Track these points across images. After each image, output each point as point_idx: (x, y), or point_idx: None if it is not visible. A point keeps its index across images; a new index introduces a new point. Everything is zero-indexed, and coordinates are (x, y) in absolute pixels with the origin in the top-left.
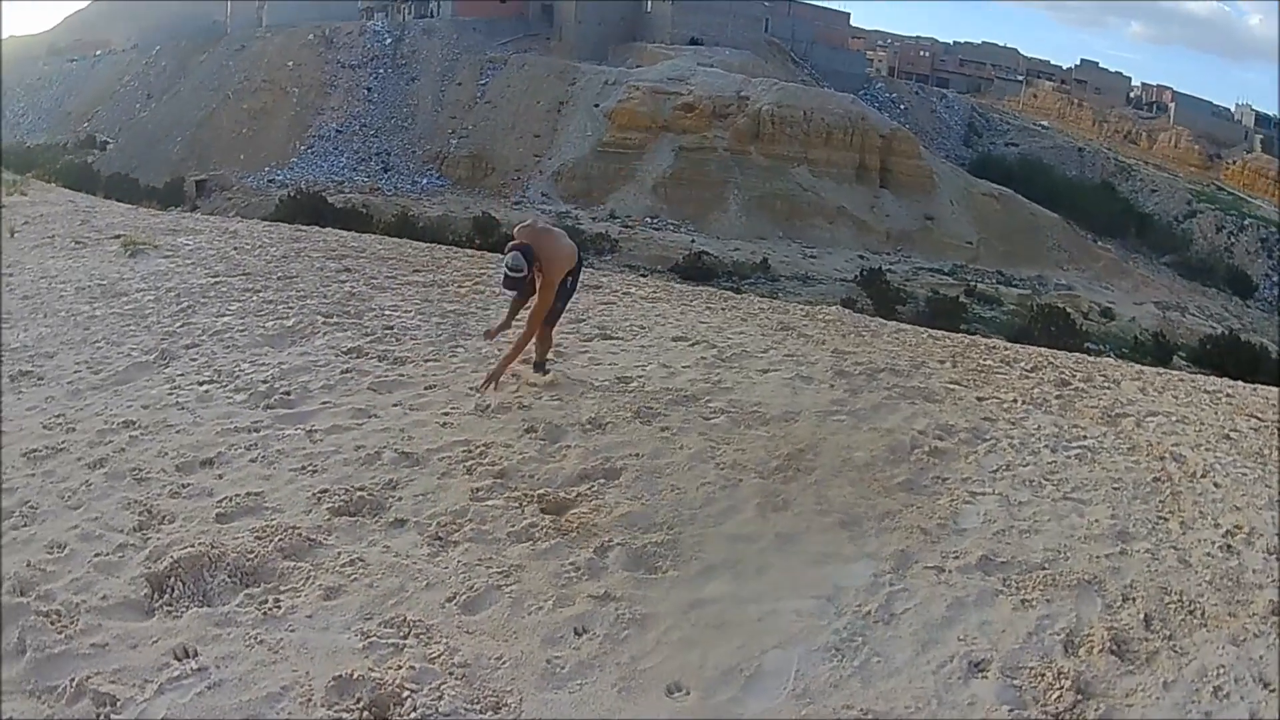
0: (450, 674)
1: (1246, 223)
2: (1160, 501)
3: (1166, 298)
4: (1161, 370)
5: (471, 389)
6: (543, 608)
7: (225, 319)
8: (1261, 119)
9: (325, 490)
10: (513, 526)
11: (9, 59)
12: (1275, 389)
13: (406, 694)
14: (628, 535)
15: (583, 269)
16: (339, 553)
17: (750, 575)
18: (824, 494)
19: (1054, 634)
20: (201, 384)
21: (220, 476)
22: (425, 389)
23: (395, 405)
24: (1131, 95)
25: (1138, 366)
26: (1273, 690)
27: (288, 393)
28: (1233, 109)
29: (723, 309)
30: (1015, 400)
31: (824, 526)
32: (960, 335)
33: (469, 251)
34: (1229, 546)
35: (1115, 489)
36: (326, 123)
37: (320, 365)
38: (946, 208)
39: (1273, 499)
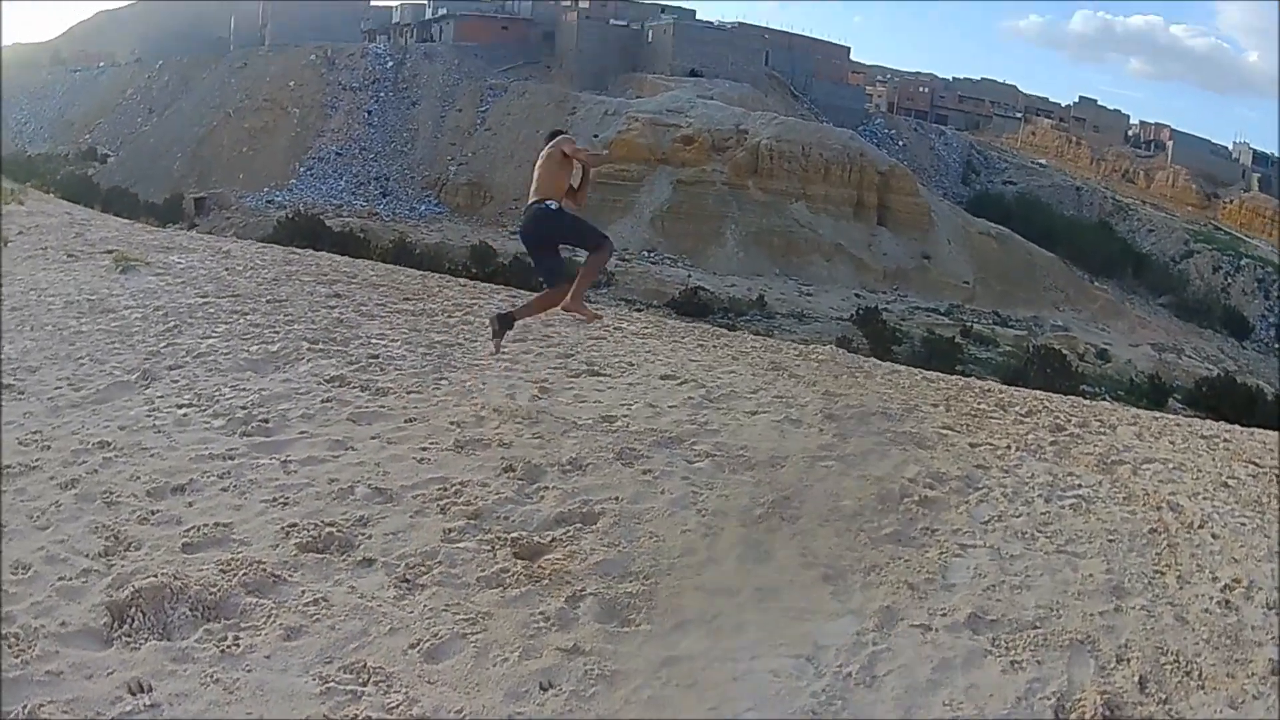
0: None
1: (1243, 263)
2: (1157, 554)
3: (1163, 339)
4: (1158, 415)
5: (452, 424)
6: (508, 659)
7: (210, 341)
8: (1259, 157)
9: (295, 524)
10: (483, 571)
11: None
12: (1274, 433)
13: None
14: (602, 584)
15: None
16: (303, 591)
17: (727, 631)
18: (808, 545)
19: (1044, 698)
20: (180, 407)
21: (190, 504)
22: (405, 422)
23: (373, 438)
24: (1130, 133)
25: (1134, 411)
26: None
27: (266, 420)
28: (1230, 147)
29: (715, 346)
30: (1009, 447)
31: (807, 580)
32: (955, 378)
33: (462, 281)
34: (1227, 601)
35: (1110, 541)
36: (326, 144)
37: (301, 393)
38: (944, 246)
39: (1272, 550)
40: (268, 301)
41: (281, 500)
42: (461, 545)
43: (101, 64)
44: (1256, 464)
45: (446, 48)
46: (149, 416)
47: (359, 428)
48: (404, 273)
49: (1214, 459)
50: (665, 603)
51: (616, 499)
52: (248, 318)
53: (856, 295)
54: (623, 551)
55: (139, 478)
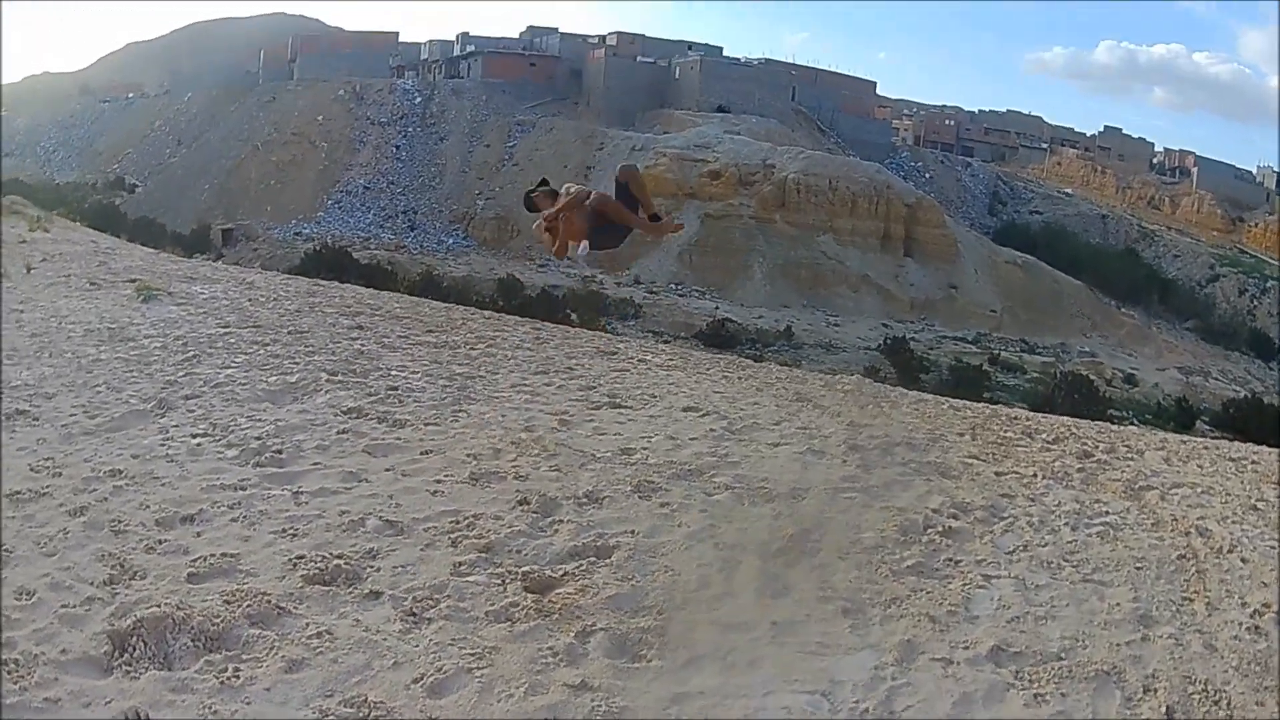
0: None
1: (1269, 285)
2: (1185, 580)
3: (1189, 363)
4: (1186, 438)
5: (468, 456)
6: (513, 695)
7: (229, 371)
8: None
9: (302, 556)
10: (492, 605)
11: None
12: None
13: None
14: (613, 619)
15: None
16: (307, 623)
17: (741, 667)
18: (827, 578)
19: None
20: (194, 437)
21: (199, 534)
22: (421, 454)
23: (387, 470)
24: (1154, 161)
25: (1162, 435)
26: None
27: (279, 451)
28: (1254, 171)
29: (739, 378)
30: (1035, 475)
31: (825, 614)
32: (981, 406)
33: (487, 313)
34: (1256, 628)
35: (1138, 568)
36: (354, 178)
37: (317, 424)
38: (970, 276)
39: None
40: (289, 333)
41: (291, 531)
42: (471, 579)
43: (130, 95)
44: None
45: (474, 84)
46: (162, 445)
47: (374, 459)
48: (428, 305)
49: (1242, 482)
50: (678, 638)
51: (632, 532)
52: (268, 348)
53: (884, 325)
54: (636, 585)
55: (148, 506)
